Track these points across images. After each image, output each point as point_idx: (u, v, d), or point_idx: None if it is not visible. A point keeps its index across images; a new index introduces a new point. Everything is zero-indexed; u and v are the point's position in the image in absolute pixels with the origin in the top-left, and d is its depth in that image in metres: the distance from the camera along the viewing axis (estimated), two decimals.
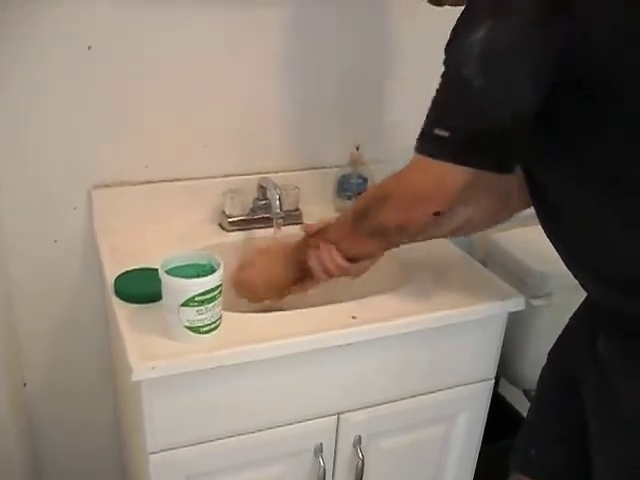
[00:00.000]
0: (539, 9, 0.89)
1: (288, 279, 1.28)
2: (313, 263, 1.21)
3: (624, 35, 0.90)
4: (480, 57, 0.91)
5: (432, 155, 0.99)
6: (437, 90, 0.98)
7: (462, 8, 0.97)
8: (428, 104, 0.99)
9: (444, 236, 1.32)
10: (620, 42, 0.90)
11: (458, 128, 0.96)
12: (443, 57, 0.97)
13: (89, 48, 1.36)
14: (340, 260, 1.18)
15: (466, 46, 0.93)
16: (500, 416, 1.62)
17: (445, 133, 0.96)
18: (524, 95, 0.93)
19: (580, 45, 0.89)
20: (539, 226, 1.15)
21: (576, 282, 1.14)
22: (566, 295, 1.31)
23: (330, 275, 1.21)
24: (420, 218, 1.07)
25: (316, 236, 1.22)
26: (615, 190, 0.98)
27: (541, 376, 1.33)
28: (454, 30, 0.97)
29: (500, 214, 1.30)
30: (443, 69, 0.97)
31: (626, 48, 0.90)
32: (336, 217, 1.22)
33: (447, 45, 0.98)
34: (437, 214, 1.05)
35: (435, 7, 1.17)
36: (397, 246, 1.19)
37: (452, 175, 0.99)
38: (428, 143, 0.99)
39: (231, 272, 1.31)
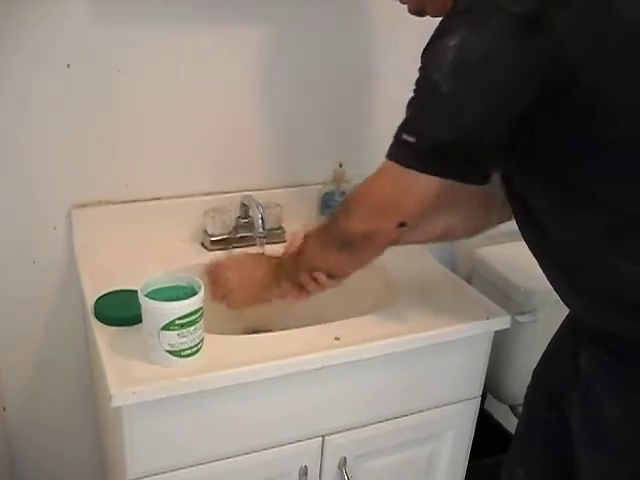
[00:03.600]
0: (515, 26, 0.88)
1: (266, 284, 1.23)
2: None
3: (603, 57, 0.89)
4: (451, 64, 0.90)
5: (398, 161, 0.97)
6: (411, 96, 0.97)
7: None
8: None
9: (423, 242, 1.31)
10: (599, 64, 0.89)
11: (424, 134, 0.95)
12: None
13: (68, 66, 1.34)
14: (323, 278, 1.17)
15: (439, 52, 0.92)
16: (486, 432, 1.61)
17: (411, 139, 0.95)
18: (490, 111, 0.92)
19: (556, 65, 0.88)
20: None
21: None
22: (551, 311, 1.30)
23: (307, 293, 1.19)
24: (385, 227, 1.05)
25: (294, 258, 1.19)
26: (595, 212, 0.97)
27: (526, 395, 1.32)
28: (431, 37, 0.96)
29: (482, 224, 1.28)
30: (419, 73, 0.96)
31: (605, 70, 0.89)
32: (310, 232, 1.19)
33: (423, 51, 0.97)
34: (403, 225, 1.03)
35: (417, 18, 1.16)
36: (367, 261, 1.15)
37: (419, 183, 0.98)
38: (396, 148, 0.98)
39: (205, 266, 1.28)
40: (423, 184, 0.98)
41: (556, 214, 1.02)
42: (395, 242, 1.10)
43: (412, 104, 0.97)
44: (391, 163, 0.99)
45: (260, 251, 1.43)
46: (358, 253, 1.12)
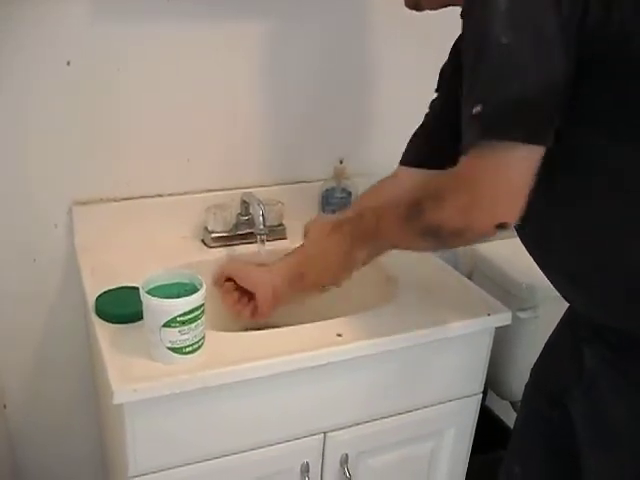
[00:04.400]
0: None
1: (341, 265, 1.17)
2: None
3: None
4: (508, 12, 0.83)
5: (477, 141, 0.87)
6: (465, 62, 0.89)
7: (442, 12, 0.94)
8: (412, 117, 0.95)
9: None
10: None
11: (493, 97, 0.85)
12: (461, 21, 0.90)
13: (68, 64, 1.34)
14: None
15: (491, 3, 0.84)
16: (488, 428, 1.61)
17: (478, 108, 0.85)
18: (557, 53, 0.84)
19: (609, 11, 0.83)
20: None
21: None
22: (553, 307, 1.29)
23: None
24: (481, 227, 0.92)
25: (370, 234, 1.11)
26: (617, 200, 0.93)
27: (525, 393, 1.31)
28: None
29: None
30: (465, 37, 0.90)
31: None
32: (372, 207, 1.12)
33: (466, 5, 0.90)
34: (503, 226, 0.91)
35: (420, 15, 1.15)
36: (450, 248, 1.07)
37: (512, 162, 0.86)
38: (471, 129, 0.87)
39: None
40: (516, 162, 0.87)
41: (575, 199, 0.97)
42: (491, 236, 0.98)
43: (471, 67, 0.88)
44: (472, 149, 0.88)
45: (261, 249, 1.43)
46: (445, 244, 1.06)
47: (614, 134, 0.90)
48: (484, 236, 0.94)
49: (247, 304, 1.25)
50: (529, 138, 0.86)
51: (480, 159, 0.88)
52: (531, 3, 0.84)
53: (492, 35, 0.84)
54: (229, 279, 1.26)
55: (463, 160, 0.90)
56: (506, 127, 0.85)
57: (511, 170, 0.87)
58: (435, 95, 1.27)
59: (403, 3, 1.14)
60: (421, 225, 0.98)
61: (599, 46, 0.85)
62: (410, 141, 1.31)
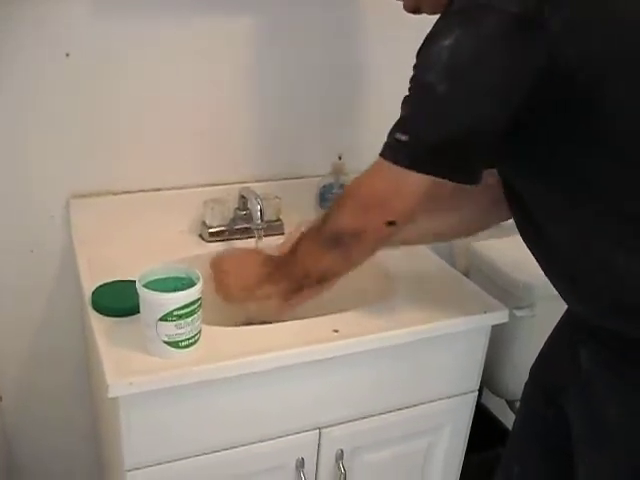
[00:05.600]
0: (510, 25, 0.88)
1: (260, 280, 1.22)
2: None
3: (599, 55, 0.89)
4: (446, 65, 0.90)
5: (389, 158, 0.97)
6: (405, 95, 0.97)
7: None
8: None
9: (420, 243, 1.30)
10: (596, 62, 0.89)
11: (417, 134, 0.94)
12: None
13: (67, 55, 1.34)
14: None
15: (434, 52, 0.92)
16: (483, 426, 1.61)
17: (405, 137, 0.94)
18: (484, 111, 0.92)
19: (552, 61, 0.87)
20: None
21: None
22: (549, 305, 1.29)
23: None
24: (374, 225, 1.03)
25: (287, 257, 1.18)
26: (596, 208, 0.97)
27: (524, 392, 1.32)
28: (425, 37, 0.96)
29: (482, 224, 1.29)
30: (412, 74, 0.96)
31: (602, 68, 0.89)
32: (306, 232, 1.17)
33: (418, 51, 0.97)
34: (392, 224, 1.02)
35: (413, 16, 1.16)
36: (358, 262, 1.12)
37: (410, 182, 0.97)
38: (389, 147, 0.97)
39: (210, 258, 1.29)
40: (413, 182, 0.97)
41: (556, 211, 1.02)
42: (386, 241, 1.09)
43: (407, 103, 0.97)
44: (383, 160, 0.98)
45: (259, 243, 1.43)
46: (348, 252, 1.10)
47: (586, 151, 0.94)
48: (380, 235, 1.05)
49: None
50: (451, 176, 0.96)
51: (383, 173, 0.99)
52: (471, 56, 0.90)
53: (429, 82, 0.92)
54: None
55: (369, 168, 1.02)
56: (430, 165, 0.95)
57: (408, 187, 0.98)
58: None
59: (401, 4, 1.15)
60: (325, 235, 1.08)
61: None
62: None
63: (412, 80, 0.96)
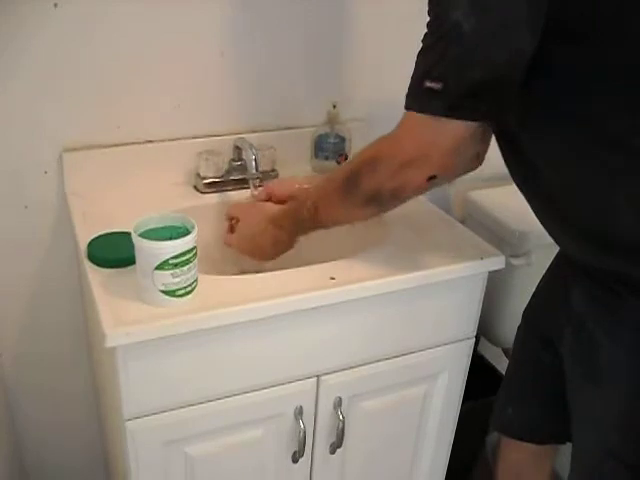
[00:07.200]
0: None
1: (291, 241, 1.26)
2: None
3: None
4: (470, 0, 0.86)
5: (423, 110, 0.93)
6: (424, 39, 0.93)
7: None
8: (408, 61, 0.94)
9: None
10: None
11: (452, 78, 0.90)
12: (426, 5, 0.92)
13: (55, 6, 1.31)
14: None
15: None
16: (479, 375, 1.62)
17: (437, 85, 0.90)
18: (522, 34, 0.87)
19: None
20: None
21: None
22: (545, 254, 1.30)
23: None
24: (415, 183, 1.01)
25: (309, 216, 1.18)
26: (600, 146, 0.95)
27: (517, 335, 1.33)
28: None
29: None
30: (428, 18, 0.92)
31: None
32: (315, 185, 1.18)
33: None
34: (433, 178, 1.00)
35: None
36: (388, 211, 1.13)
37: (447, 132, 0.94)
38: (418, 98, 0.94)
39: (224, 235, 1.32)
40: (450, 131, 0.94)
41: (557, 150, 1.00)
42: (425, 191, 1.07)
43: (430, 49, 0.92)
44: (413, 114, 0.95)
45: (254, 193, 1.42)
46: (385, 207, 1.11)
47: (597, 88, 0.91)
48: (421, 190, 1.05)
49: None
50: (490, 118, 0.93)
51: (416, 127, 0.96)
52: None
53: (454, 21, 0.87)
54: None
55: (401, 124, 0.98)
56: (469, 109, 0.91)
57: (448, 137, 0.95)
58: None
59: None
60: (361, 194, 1.06)
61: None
62: None
63: (431, 24, 0.92)
